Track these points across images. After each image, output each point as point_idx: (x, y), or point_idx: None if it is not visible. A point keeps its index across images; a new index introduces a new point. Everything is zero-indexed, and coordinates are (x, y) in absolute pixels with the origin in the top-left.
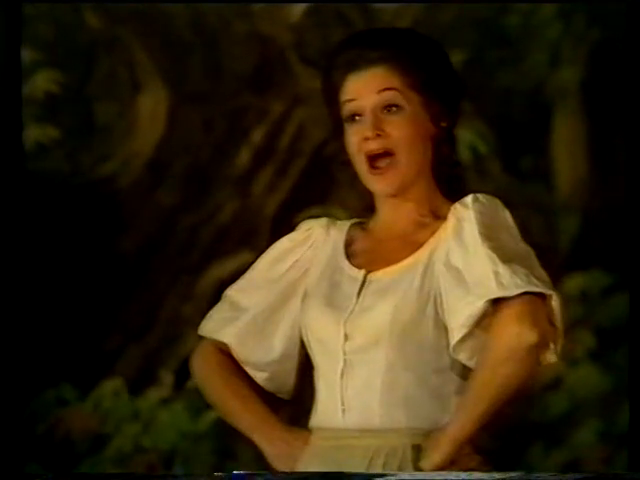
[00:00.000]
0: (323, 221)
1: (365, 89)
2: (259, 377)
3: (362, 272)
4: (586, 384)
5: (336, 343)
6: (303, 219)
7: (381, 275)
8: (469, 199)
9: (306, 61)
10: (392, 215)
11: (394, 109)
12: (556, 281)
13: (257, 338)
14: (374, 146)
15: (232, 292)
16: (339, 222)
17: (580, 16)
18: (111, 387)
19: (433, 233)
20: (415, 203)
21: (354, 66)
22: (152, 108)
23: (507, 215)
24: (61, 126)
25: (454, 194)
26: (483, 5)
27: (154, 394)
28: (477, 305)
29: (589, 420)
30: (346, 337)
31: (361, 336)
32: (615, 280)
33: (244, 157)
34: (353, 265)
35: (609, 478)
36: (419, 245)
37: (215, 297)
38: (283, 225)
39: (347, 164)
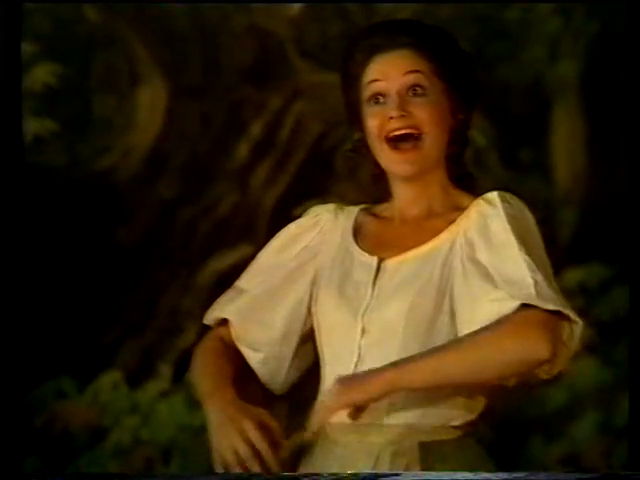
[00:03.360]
0: (331, 207)
1: (392, 70)
2: (254, 358)
3: (375, 259)
4: (585, 377)
5: (352, 336)
6: (302, 212)
7: (396, 263)
8: (495, 196)
9: (305, 55)
10: (407, 200)
11: (419, 91)
12: (555, 274)
13: (258, 314)
14: (399, 125)
15: (239, 281)
16: (347, 208)
17: (579, 10)
18: (110, 380)
19: (450, 223)
20: (431, 190)
21: (380, 48)
22: (151, 101)
23: (533, 220)
24: (60, 119)
25: (463, 189)
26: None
27: (153, 387)
28: (509, 305)
29: (588, 413)
30: (363, 331)
31: (378, 330)
32: (614, 273)
33: (243, 150)
34: (364, 250)
35: (611, 478)
36: (434, 233)
37: (214, 290)
38: (282, 218)
39: (355, 151)
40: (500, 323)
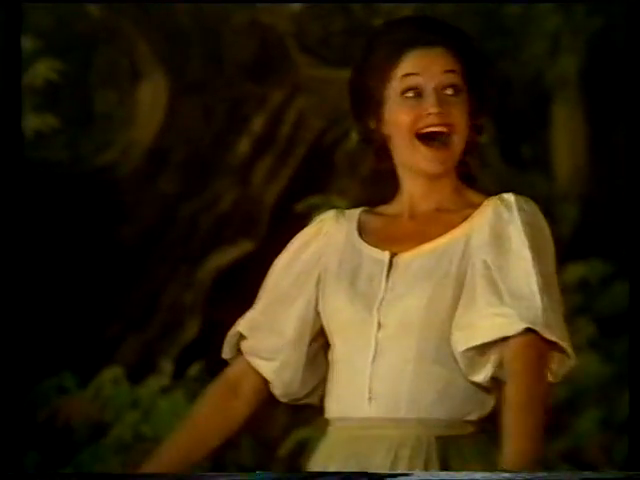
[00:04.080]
0: (332, 212)
1: (430, 66)
2: (269, 368)
3: (387, 253)
4: (586, 373)
5: (367, 330)
6: (303, 207)
7: (410, 257)
8: (512, 200)
9: (306, 50)
10: (418, 196)
11: (453, 91)
12: (556, 270)
13: (270, 323)
14: (436, 121)
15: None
16: (348, 211)
17: (579, 6)
18: (111, 375)
19: (465, 218)
20: (443, 187)
21: (412, 43)
22: (152, 97)
23: (549, 230)
24: (61, 115)
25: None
26: None
27: (154, 382)
28: (515, 327)
29: (589, 408)
30: (379, 325)
31: (394, 324)
32: (615, 269)
33: (244, 146)
34: (372, 246)
35: (613, 479)
36: (448, 228)
37: (215, 285)
38: (283, 214)
39: (370, 142)
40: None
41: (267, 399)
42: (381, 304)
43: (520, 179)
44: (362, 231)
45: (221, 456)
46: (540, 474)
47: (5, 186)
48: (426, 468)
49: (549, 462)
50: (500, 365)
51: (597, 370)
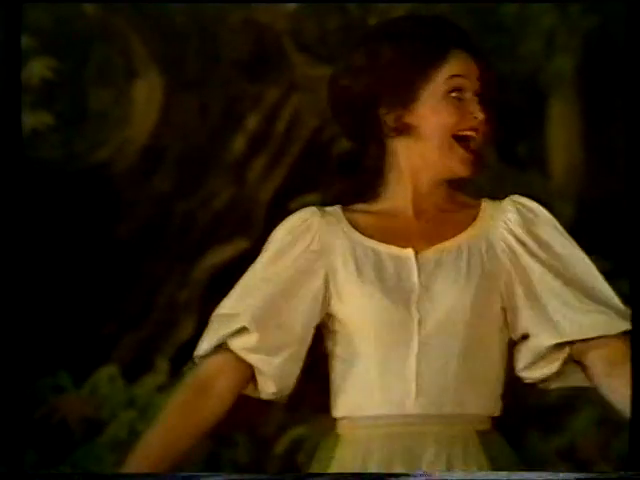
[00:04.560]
0: (311, 209)
1: (472, 70)
2: (271, 364)
3: (410, 251)
4: None
5: (408, 328)
6: (298, 206)
7: (433, 255)
8: (525, 202)
9: (302, 48)
10: (422, 194)
11: (481, 98)
12: None
13: (274, 317)
14: (475, 125)
15: (226, 307)
16: (326, 208)
17: (575, 4)
18: (107, 374)
19: (473, 218)
20: (443, 187)
21: (457, 44)
22: (147, 95)
23: None
24: (56, 113)
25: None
26: None
27: (150, 381)
28: (619, 326)
29: (586, 407)
30: (420, 322)
31: (435, 322)
32: (611, 267)
33: (239, 144)
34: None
35: (613, 479)
36: (458, 227)
37: (210, 284)
38: (278, 212)
39: (399, 131)
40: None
41: (239, 398)
42: (418, 302)
43: (516, 177)
44: (358, 229)
45: (217, 454)
46: (541, 474)
47: (1, 185)
48: (475, 463)
49: (545, 460)
50: (566, 362)
51: None
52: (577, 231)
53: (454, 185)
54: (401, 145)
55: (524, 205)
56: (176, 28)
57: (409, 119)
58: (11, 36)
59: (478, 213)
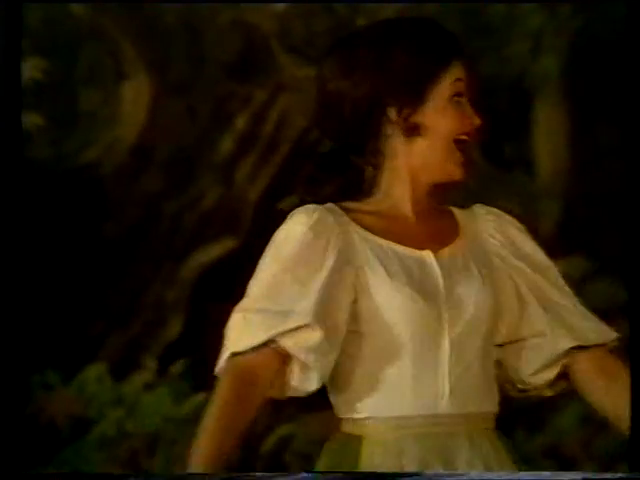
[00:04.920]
0: (314, 207)
1: (468, 75)
2: (322, 365)
3: (429, 252)
4: None
5: (441, 329)
6: (286, 205)
7: (446, 257)
8: (502, 213)
9: (290, 50)
10: (418, 197)
11: (471, 103)
12: None
13: (326, 315)
14: (471, 129)
15: (260, 302)
16: (324, 207)
17: (562, 6)
18: (95, 372)
19: (456, 224)
20: (429, 191)
21: (456, 50)
22: (136, 96)
23: None
24: (46, 113)
25: None
26: None
27: (138, 379)
28: (613, 335)
29: (569, 405)
30: (449, 322)
31: (462, 322)
32: (596, 265)
33: (227, 144)
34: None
35: (613, 479)
36: (452, 231)
37: (198, 283)
38: (266, 211)
39: (407, 131)
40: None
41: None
42: (447, 302)
43: (502, 177)
44: (366, 228)
45: None
46: (541, 474)
47: None
48: (501, 459)
49: (530, 458)
50: (565, 368)
51: None
52: (563, 230)
53: (436, 189)
54: (401, 145)
55: (493, 212)
56: (165, 30)
57: (417, 119)
58: (11, 36)
59: (457, 219)
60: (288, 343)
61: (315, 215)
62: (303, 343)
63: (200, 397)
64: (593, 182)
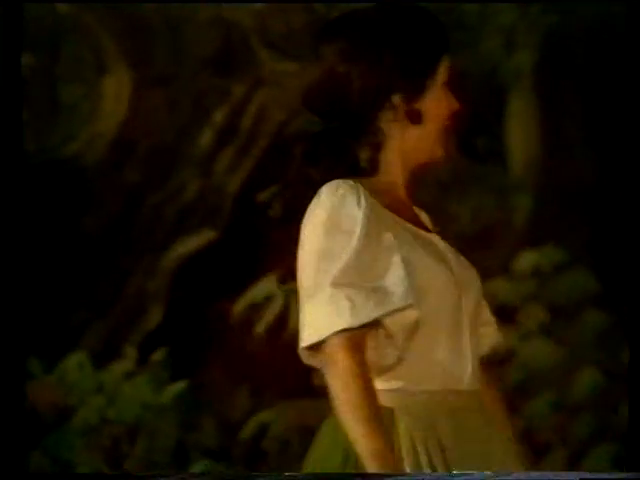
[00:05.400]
0: (350, 183)
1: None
2: (406, 344)
3: (434, 235)
4: (539, 356)
5: (462, 309)
6: (265, 197)
7: (437, 242)
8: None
9: (268, 45)
10: (407, 177)
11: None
12: (510, 257)
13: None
14: (452, 115)
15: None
16: (351, 182)
17: (535, 3)
18: (76, 361)
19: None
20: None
21: (447, 39)
22: (117, 90)
23: None
24: (28, 107)
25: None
26: None
27: (118, 368)
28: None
29: (542, 391)
30: (465, 302)
31: (472, 304)
32: (567, 256)
33: (207, 137)
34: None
35: (613, 479)
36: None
37: (178, 273)
38: (245, 203)
39: (416, 116)
40: None
41: None
42: (458, 280)
43: (476, 170)
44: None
45: (184, 439)
46: (541, 474)
47: None
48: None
49: None
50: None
51: (549, 354)
52: (535, 222)
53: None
54: (398, 129)
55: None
56: (146, 25)
57: (419, 106)
58: (11, 34)
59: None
60: (388, 322)
61: (357, 189)
62: (400, 322)
63: (179, 385)
64: (565, 175)
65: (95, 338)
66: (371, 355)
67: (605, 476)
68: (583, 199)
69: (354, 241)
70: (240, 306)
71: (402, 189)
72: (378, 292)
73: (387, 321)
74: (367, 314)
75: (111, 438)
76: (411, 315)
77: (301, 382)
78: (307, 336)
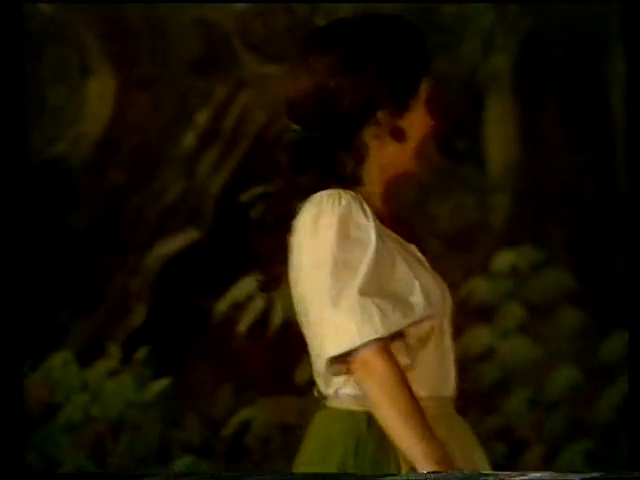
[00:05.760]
0: (350, 193)
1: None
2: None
3: (414, 246)
4: (517, 354)
5: (447, 315)
6: (247, 197)
7: (415, 248)
8: None
9: (250, 47)
10: (385, 188)
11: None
12: (489, 257)
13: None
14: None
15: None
16: (340, 190)
17: (512, 6)
18: (61, 359)
19: None
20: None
21: (429, 56)
22: (101, 91)
23: None
24: (14, 109)
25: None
26: None
27: (102, 366)
28: None
29: (519, 388)
30: (448, 308)
31: (449, 308)
32: (544, 256)
33: (190, 139)
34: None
35: (618, 479)
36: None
37: (161, 273)
38: (227, 203)
39: (399, 134)
40: None
41: None
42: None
43: (455, 171)
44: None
45: (167, 435)
46: (545, 474)
47: None
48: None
49: (481, 441)
50: None
51: (527, 352)
52: (513, 222)
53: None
54: (378, 143)
55: None
56: (129, 28)
57: (401, 123)
58: (12, 35)
59: None
60: (409, 331)
61: (358, 199)
62: (417, 332)
63: (163, 383)
64: (542, 176)
65: (80, 337)
66: None
67: (605, 476)
68: (560, 200)
69: (370, 250)
70: (222, 305)
71: (379, 200)
72: (402, 301)
73: (408, 330)
74: (397, 323)
75: (95, 435)
76: (427, 324)
77: (283, 380)
78: (334, 345)
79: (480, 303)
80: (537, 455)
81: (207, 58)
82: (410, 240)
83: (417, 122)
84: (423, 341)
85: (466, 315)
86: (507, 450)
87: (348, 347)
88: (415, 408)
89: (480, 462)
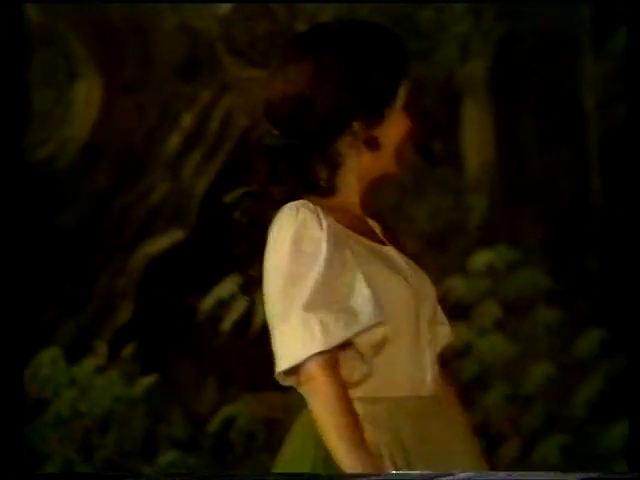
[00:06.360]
0: (307, 204)
1: None
2: (375, 360)
3: (391, 248)
4: (493, 351)
5: (421, 317)
6: (231, 199)
7: (394, 254)
8: None
9: (233, 52)
10: (363, 194)
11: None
12: (466, 256)
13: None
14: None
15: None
16: (307, 202)
17: (488, 12)
18: (49, 356)
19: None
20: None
21: (406, 64)
22: (87, 95)
23: None
24: (1, 112)
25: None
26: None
27: (90, 362)
28: None
29: (496, 384)
30: (422, 312)
31: (428, 312)
32: (520, 255)
33: (175, 141)
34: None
35: (615, 479)
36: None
37: (147, 272)
38: (211, 205)
39: (373, 144)
40: None
41: None
42: (419, 291)
43: (432, 173)
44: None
45: (153, 431)
46: (541, 474)
47: None
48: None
49: None
50: None
51: (504, 349)
52: (489, 222)
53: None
54: (354, 151)
55: None
56: (115, 33)
57: (377, 133)
58: (12, 35)
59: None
60: (358, 340)
61: (316, 211)
62: (369, 340)
63: (149, 379)
64: (518, 177)
65: (68, 334)
66: (341, 372)
67: (605, 476)
68: (536, 200)
69: (320, 263)
70: (207, 303)
71: (357, 205)
72: (348, 312)
73: (357, 340)
74: (339, 335)
75: (83, 429)
76: (379, 332)
77: (266, 376)
78: (283, 361)
79: (458, 301)
80: (513, 449)
81: (191, 63)
82: (389, 242)
83: (394, 129)
84: (378, 347)
85: (444, 313)
86: (485, 444)
87: (294, 362)
88: (350, 422)
89: (465, 458)
